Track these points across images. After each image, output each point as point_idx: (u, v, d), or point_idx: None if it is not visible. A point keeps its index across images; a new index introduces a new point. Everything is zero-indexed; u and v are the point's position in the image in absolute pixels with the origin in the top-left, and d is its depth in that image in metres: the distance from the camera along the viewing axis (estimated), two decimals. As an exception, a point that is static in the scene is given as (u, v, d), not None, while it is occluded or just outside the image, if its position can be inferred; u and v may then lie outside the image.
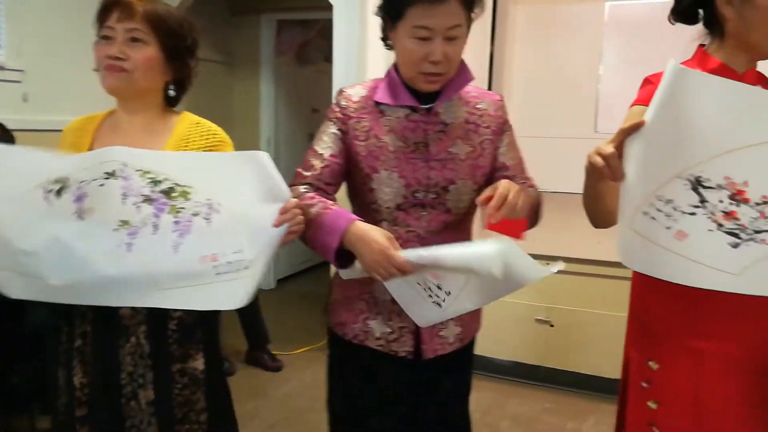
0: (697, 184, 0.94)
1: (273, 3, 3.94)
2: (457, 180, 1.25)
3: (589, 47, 4.92)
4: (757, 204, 0.93)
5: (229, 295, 1.11)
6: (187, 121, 1.24)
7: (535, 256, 3.11)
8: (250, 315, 3.06)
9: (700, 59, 1.31)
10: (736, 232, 0.95)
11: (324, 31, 3.78)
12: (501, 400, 2.75)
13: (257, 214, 1.09)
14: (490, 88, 4.55)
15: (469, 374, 1.44)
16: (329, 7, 3.01)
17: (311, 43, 4.32)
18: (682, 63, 1.32)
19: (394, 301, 1.26)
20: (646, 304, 1.38)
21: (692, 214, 0.95)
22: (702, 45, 1.30)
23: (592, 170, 1.07)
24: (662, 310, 1.34)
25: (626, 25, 4.73)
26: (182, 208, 1.08)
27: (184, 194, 1.08)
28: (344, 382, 1.37)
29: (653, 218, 0.97)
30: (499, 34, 4.80)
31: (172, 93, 1.24)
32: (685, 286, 1.28)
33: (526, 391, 2.84)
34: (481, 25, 4.31)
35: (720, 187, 0.93)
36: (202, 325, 1.25)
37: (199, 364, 1.24)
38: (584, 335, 2.76)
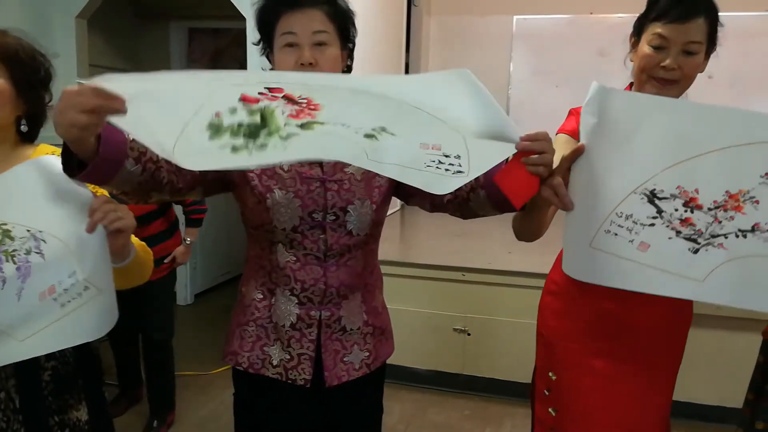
0: (652, 197, 0.99)
1: (182, 10, 3.80)
2: (355, 200, 1.22)
3: (499, 57, 5.13)
4: (710, 209, 0.99)
5: (86, 324, 1.07)
6: (41, 153, 1.17)
7: (450, 268, 3.16)
8: (158, 364, 2.64)
9: None
10: (694, 237, 1.01)
11: (239, 39, 3.69)
12: (422, 410, 2.81)
13: (72, 227, 1.04)
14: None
15: (380, 400, 1.42)
16: (242, 17, 2.94)
17: (226, 51, 4.21)
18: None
19: (293, 327, 1.24)
20: (548, 323, 1.47)
21: (651, 225, 1.01)
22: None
23: (542, 202, 1.09)
24: (564, 331, 1.44)
25: (533, 38, 4.97)
26: (14, 250, 1.03)
27: (6, 233, 1.03)
28: (246, 417, 1.33)
29: (616, 234, 1.02)
30: (413, 43, 4.90)
31: (24, 128, 1.18)
32: (580, 311, 1.39)
33: (446, 400, 2.91)
34: (395, 35, 4.39)
35: (674, 196, 0.99)
36: (83, 372, 1.21)
37: (81, 414, 1.20)
38: (499, 343, 2.86)
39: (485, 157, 1.02)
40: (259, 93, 0.93)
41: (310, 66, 1.15)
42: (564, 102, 5.47)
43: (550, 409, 1.46)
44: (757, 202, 0.96)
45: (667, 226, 1.00)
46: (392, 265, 3.00)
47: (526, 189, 1.00)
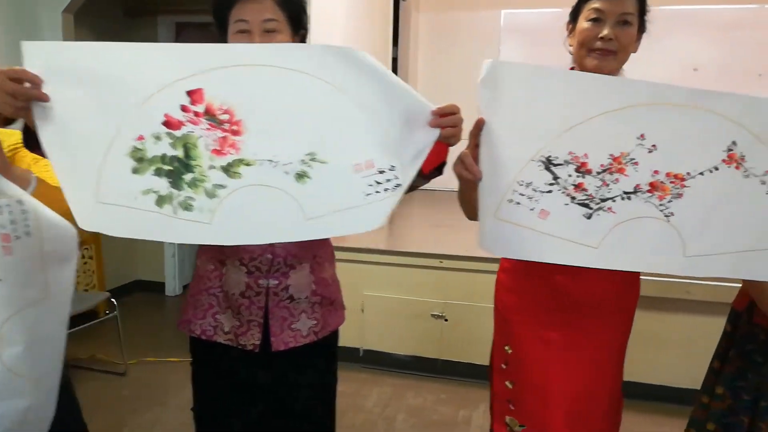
0: (548, 163, 1.04)
1: (169, 5, 3.86)
2: None
3: (488, 52, 5.18)
4: (598, 173, 1.04)
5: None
6: None
7: (428, 255, 3.20)
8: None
9: None
10: (587, 202, 1.06)
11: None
12: (399, 394, 2.86)
13: None
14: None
15: (331, 368, 1.47)
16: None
17: (214, 45, 4.26)
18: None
19: (243, 294, 1.30)
20: (503, 299, 1.52)
21: (549, 192, 1.05)
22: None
23: (458, 176, 1.15)
24: (515, 304, 1.49)
25: (521, 32, 5.02)
26: None
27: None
28: (201, 383, 1.40)
29: (518, 203, 1.07)
30: (402, 39, 4.95)
31: None
32: (532, 286, 1.43)
33: (423, 384, 2.96)
34: (382, 30, 4.44)
35: (567, 162, 1.04)
36: None
37: None
38: (476, 328, 2.91)
39: (412, 154, 1.08)
40: (182, 107, 0.98)
41: None
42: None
43: (507, 383, 1.51)
44: (637, 163, 1.02)
45: (563, 192, 1.05)
46: (372, 253, 3.06)
47: (434, 155, 1.07)
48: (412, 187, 1.33)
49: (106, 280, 3.83)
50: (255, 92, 1.00)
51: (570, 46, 1.40)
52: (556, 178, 1.04)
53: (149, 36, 4.00)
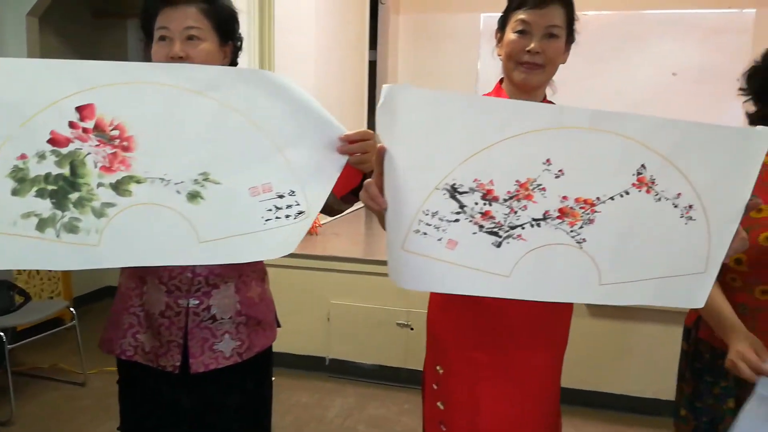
0: (453, 191, 0.99)
1: (139, 8, 3.82)
2: None
3: (467, 55, 5.15)
4: (505, 200, 1.00)
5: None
6: None
7: (375, 261, 3.16)
8: None
9: (496, 92, 1.43)
10: (495, 230, 1.02)
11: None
12: (362, 404, 2.83)
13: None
14: (372, 93, 4.66)
15: (261, 389, 1.44)
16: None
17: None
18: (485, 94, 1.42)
19: (162, 314, 1.27)
20: (435, 319, 1.49)
21: (456, 221, 1.01)
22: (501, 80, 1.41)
23: (366, 206, 1.09)
24: (447, 325, 1.46)
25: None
26: None
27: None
28: (126, 404, 1.37)
29: (425, 233, 1.02)
30: (381, 41, 4.93)
31: None
32: (460, 304, 1.40)
33: (387, 393, 2.93)
34: (358, 33, 4.40)
35: (472, 190, 0.99)
36: None
37: None
38: (441, 337, 2.88)
39: (318, 180, 1.06)
40: (70, 124, 0.95)
41: (180, 59, 1.18)
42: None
43: (438, 403, 1.48)
44: (544, 189, 0.98)
45: (470, 221, 1.00)
46: (339, 261, 3.03)
47: (344, 179, 1.05)
48: (336, 211, 1.32)
49: (75, 287, 3.79)
50: (147, 109, 0.97)
51: (499, 56, 1.37)
52: (462, 206, 1.00)
53: (118, 39, 3.96)
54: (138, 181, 0.99)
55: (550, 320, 1.41)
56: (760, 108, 1.37)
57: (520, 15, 1.28)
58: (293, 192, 1.06)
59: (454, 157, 0.97)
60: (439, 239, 1.02)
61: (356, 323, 3.00)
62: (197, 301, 1.28)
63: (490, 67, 4.99)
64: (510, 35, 1.31)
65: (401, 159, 0.98)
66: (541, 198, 0.99)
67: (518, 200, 0.99)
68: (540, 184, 0.98)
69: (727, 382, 1.34)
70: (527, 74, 1.30)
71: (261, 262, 1.42)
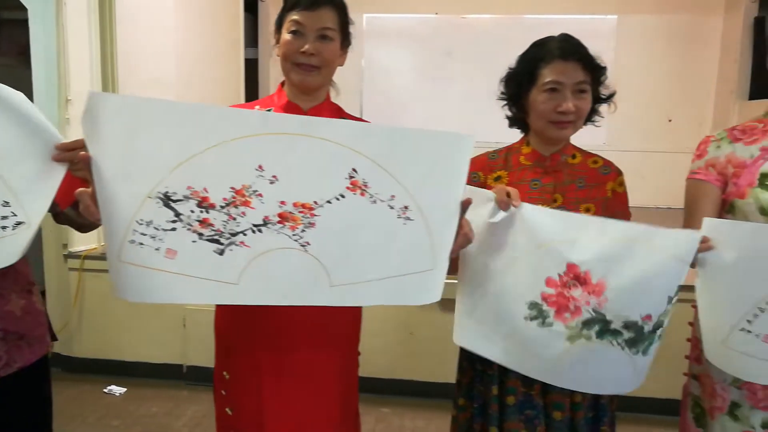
0: (167, 200, 0.97)
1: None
2: None
3: (352, 55, 5.16)
4: (222, 207, 0.98)
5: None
6: None
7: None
8: None
9: (278, 94, 1.41)
10: (216, 238, 1.00)
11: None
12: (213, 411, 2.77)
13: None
14: (252, 92, 4.57)
15: (35, 405, 1.37)
16: (23, 7, 2.79)
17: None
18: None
19: None
20: (219, 324, 1.47)
21: (173, 229, 0.98)
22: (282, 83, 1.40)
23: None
24: (231, 330, 1.44)
25: (383, 36, 5.03)
26: None
27: None
28: None
29: (141, 244, 0.98)
30: (262, 40, 4.83)
31: None
32: (245, 310, 1.37)
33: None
34: (232, 30, 4.30)
35: (187, 198, 0.97)
36: None
37: None
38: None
39: (36, 190, 1.03)
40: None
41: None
42: (415, 100, 5.52)
43: (227, 409, 1.45)
44: (261, 195, 0.98)
45: (189, 229, 0.98)
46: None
47: (69, 188, 1.02)
48: (83, 226, 1.29)
49: None
50: None
51: (278, 56, 1.36)
52: (178, 214, 0.98)
53: None
54: None
55: (331, 320, 1.41)
56: (515, 112, 1.43)
57: (294, 16, 1.29)
58: (7, 203, 1.02)
59: (163, 164, 0.95)
60: (157, 249, 0.99)
61: (213, 329, 2.93)
62: None
63: (375, 66, 5.05)
64: (285, 35, 1.31)
65: (107, 168, 0.95)
66: (259, 204, 0.98)
67: (236, 206, 0.98)
68: (256, 190, 0.97)
69: (492, 370, 1.39)
70: (304, 75, 1.31)
71: (27, 273, 1.35)
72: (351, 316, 1.46)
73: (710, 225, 1.16)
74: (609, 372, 1.25)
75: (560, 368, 1.23)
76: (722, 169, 1.37)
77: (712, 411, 1.41)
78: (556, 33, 1.39)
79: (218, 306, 1.46)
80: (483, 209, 1.20)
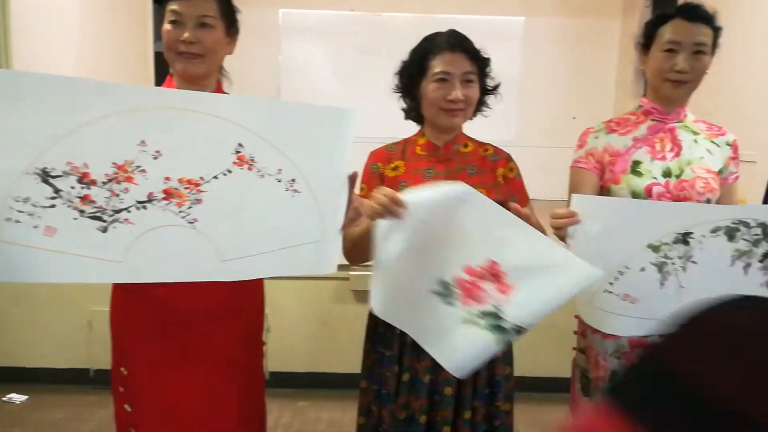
0: (45, 176, 0.94)
1: None
2: None
3: (268, 50, 5.10)
4: (104, 183, 0.96)
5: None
6: None
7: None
8: None
9: (167, 85, 1.40)
10: (99, 215, 0.98)
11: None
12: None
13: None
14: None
15: None
16: None
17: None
18: None
19: None
20: (114, 320, 1.42)
21: (52, 206, 0.96)
22: None
23: None
24: (125, 324, 1.40)
25: (300, 31, 5.01)
26: None
27: None
28: None
29: (18, 221, 0.95)
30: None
31: None
32: (137, 300, 1.34)
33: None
34: (140, 23, 4.16)
35: (66, 173, 0.94)
36: None
37: None
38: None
39: None
40: None
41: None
42: (332, 96, 5.50)
43: (126, 406, 1.41)
44: (144, 171, 0.97)
45: (69, 206, 0.97)
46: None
47: None
48: None
49: None
50: None
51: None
52: (57, 191, 0.96)
53: None
54: None
55: (234, 302, 1.40)
56: (409, 103, 1.49)
57: (172, 6, 1.30)
58: None
59: (40, 140, 0.92)
60: (36, 226, 0.96)
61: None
62: None
63: (291, 62, 5.01)
64: (165, 26, 1.30)
65: None
66: (143, 180, 0.97)
67: (118, 183, 0.96)
68: (139, 166, 0.96)
69: (392, 351, 1.43)
70: (185, 64, 1.31)
71: None
72: (256, 295, 1.46)
73: (577, 201, 1.25)
74: (476, 353, 1.28)
75: (441, 342, 1.26)
76: (600, 157, 1.48)
77: (597, 381, 1.51)
78: (467, 32, 1.46)
79: (112, 299, 1.42)
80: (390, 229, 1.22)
